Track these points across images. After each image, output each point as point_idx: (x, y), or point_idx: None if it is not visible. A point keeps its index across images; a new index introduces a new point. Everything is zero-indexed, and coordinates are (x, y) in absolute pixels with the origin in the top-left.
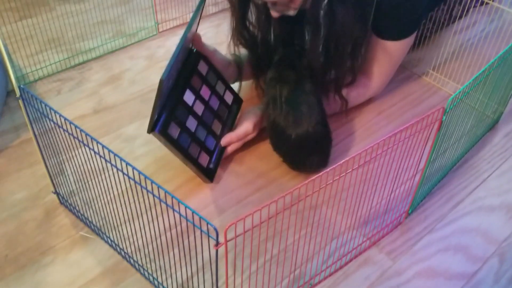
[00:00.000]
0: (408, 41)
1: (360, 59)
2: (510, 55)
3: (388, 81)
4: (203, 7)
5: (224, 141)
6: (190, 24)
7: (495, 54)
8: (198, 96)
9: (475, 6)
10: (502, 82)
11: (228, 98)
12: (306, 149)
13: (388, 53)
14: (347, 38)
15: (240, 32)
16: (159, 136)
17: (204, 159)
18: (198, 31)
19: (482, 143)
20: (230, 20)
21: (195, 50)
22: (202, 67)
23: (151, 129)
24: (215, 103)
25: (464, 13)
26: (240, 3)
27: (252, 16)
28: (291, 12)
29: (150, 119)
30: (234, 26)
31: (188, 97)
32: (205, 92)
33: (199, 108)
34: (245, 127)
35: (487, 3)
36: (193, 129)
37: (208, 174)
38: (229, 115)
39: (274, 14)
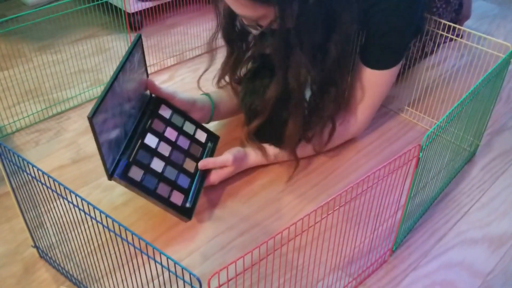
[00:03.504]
0: (395, 70)
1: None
2: (481, 89)
3: (372, 116)
4: (142, 50)
5: (201, 164)
6: (120, 65)
7: (467, 89)
8: (163, 138)
9: (445, 42)
10: (475, 115)
11: (201, 136)
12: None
13: (376, 84)
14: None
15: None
16: (120, 181)
17: (177, 198)
18: (178, 76)
19: (461, 176)
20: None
21: (154, 96)
22: (164, 111)
23: (110, 176)
24: (184, 143)
25: (435, 49)
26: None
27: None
28: (254, 32)
29: (103, 166)
30: (220, 24)
31: (150, 140)
32: (170, 133)
33: (164, 149)
34: (225, 157)
35: (455, 40)
36: (159, 170)
37: (185, 213)
38: (204, 153)
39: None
